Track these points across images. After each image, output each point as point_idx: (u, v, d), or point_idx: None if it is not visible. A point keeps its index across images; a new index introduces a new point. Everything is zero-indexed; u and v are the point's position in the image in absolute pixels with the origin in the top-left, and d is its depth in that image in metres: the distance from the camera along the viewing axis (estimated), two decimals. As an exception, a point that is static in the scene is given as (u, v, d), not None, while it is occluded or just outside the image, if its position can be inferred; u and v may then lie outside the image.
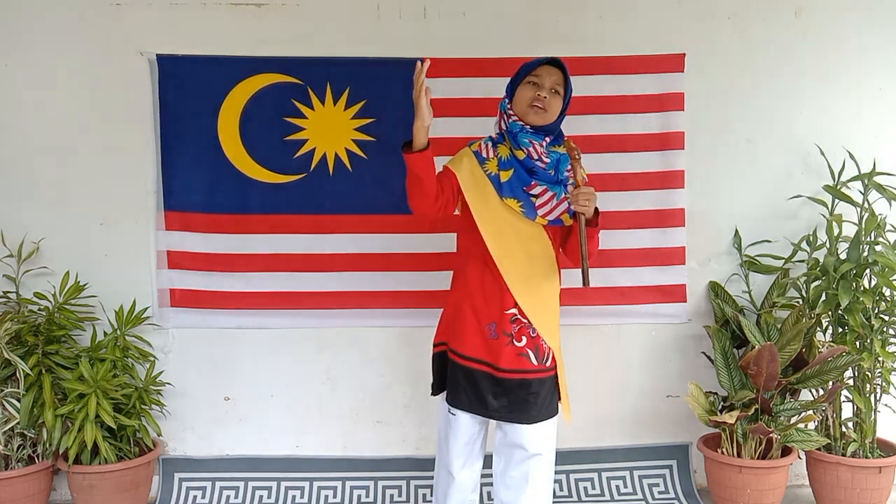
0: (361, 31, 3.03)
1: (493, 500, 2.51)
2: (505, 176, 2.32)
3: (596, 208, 2.29)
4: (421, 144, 2.18)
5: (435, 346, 2.49)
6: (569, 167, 2.34)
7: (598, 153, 3.06)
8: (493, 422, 2.44)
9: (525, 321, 2.32)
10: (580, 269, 2.26)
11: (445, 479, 2.49)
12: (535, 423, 2.34)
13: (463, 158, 2.36)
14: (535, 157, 2.32)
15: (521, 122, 2.32)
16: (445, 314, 2.47)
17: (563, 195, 2.34)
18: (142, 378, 3.00)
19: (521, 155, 2.33)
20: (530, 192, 2.32)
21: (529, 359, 2.32)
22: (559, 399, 2.43)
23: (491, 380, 2.33)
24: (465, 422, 2.41)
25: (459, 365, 2.36)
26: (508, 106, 2.35)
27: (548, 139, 2.34)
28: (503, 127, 2.37)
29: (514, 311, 2.32)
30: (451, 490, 2.47)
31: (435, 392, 2.51)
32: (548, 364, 2.35)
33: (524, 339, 2.32)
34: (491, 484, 2.51)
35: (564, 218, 2.36)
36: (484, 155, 2.36)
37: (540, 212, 2.33)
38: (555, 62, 2.31)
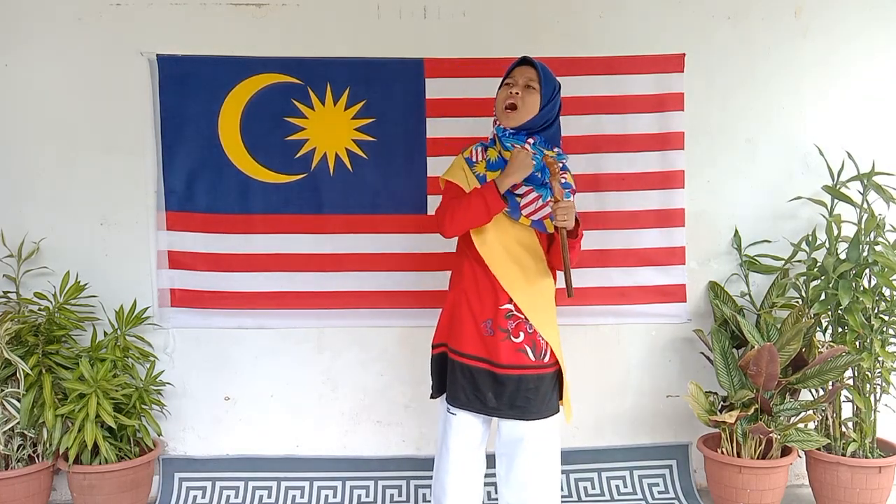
0: (361, 31, 3.03)
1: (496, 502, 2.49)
2: (491, 176, 2.34)
3: (577, 220, 2.31)
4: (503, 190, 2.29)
5: (434, 347, 2.49)
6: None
7: (598, 153, 3.07)
8: (493, 424, 2.43)
9: (522, 317, 2.33)
10: (565, 280, 2.28)
11: (445, 480, 2.45)
12: (536, 420, 2.34)
13: (460, 170, 2.40)
14: None
15: (503, 126, 2.36)
16: (444, 314, 2.47)
17: (549, 198, 2.33)
18: (142, 378, 3.00)
19: (508, 156, 2.34)
20: (515, 193, 2.34)
21: (527, 354, 2.32)
22: (560, 398, 2.42)
23: (490, 377, 2.33)
24: (465, 421, 2.39)
25: (458, 363, 2.36)
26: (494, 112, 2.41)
27: (531, 140, 2.33)
28: (493, 132, 2.41)
29: (509, 306, 2.33)
30: (453, 489, 2.43)
31: (435, 395, 2.50)
32: (546, 360, 2.34)
33: (521, 334, 2.32)
34: (493, 484, 2.49)
35: (547, 224, 2.36)
36: (473, 159, 2.41)
37: (524, 211, 2.34)
38: (529, 62, 2.35)
